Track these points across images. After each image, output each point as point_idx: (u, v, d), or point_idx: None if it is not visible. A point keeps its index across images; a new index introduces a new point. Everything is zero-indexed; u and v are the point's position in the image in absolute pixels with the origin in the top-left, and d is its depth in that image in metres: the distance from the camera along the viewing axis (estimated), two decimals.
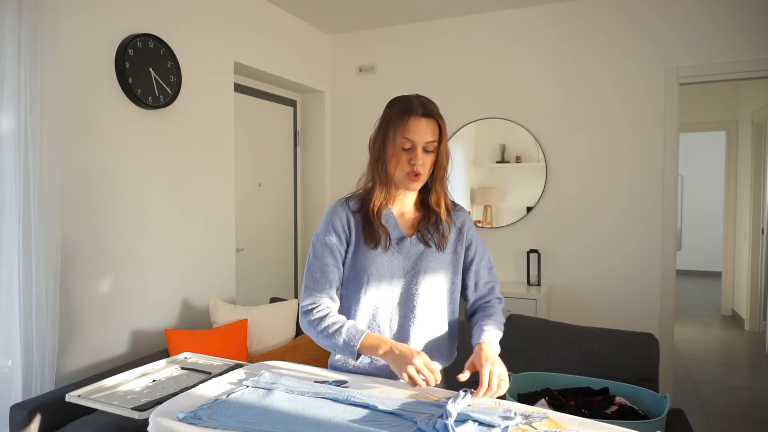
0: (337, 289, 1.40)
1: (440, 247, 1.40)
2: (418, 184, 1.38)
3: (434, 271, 1.39)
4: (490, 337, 1.33)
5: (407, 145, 1.33)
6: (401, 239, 1.40)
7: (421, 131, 1.33)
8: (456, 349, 1.50)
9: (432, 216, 1.41)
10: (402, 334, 1.38)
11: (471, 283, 1.48)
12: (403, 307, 1.38)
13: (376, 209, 1.38)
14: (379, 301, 1.37)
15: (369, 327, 1.38)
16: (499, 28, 3.46)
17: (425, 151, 1.34)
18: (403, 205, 1.43)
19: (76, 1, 2.13)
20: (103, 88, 2.24)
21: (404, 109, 1.34)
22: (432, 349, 1.40)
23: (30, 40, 1.87)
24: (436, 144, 1.36)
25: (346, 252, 1.40)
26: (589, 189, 3.29)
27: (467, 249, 1.46)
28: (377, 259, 1.36)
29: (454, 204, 1.48)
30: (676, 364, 3.91)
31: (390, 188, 1.39)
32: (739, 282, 5.41)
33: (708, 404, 3.38)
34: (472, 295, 1.48)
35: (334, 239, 1.37)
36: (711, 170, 7.91)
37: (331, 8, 3.41)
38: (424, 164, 1.35)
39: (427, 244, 1.39)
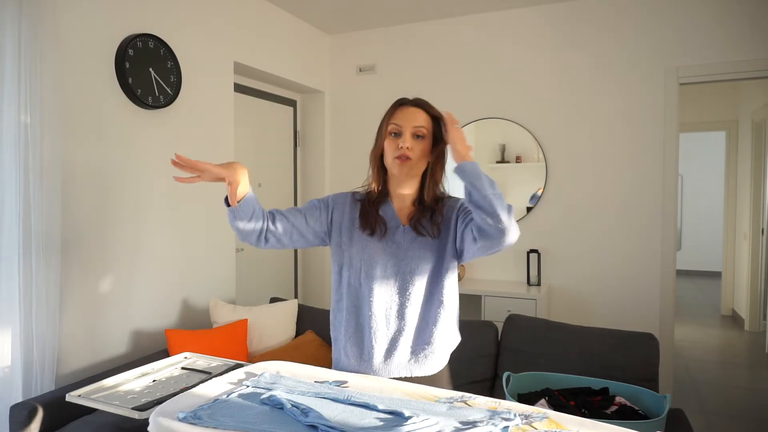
0: (291, 233, 1.44)
1: (433, 235, 1.41)
2: (407, 169, 1.39)
3: (428, 259, 1.40)
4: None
5: (396, 130, 1.39)
6: (396, 228, 1.43)
7: (409, 116, 1.39)
8: (459, 332, 1.49)
9: (427, 211, 1.43)
10: (400, 320, 1.39)
11: (465, 223, 1.37)
12: (398, 294, 1.39)
13: (374, 198, 1.45)
14: (373, 289, 1.39)
15: (364, 313, 1.40)
16: (499, 28, 3.46)
17: (416, 136, 1.39)
18: (402, 201, 1.46)
19: (76, 1, 2.13)
20: (103, 87, 2.24)
21: (396, 102, 1.45)
22: (432, 333, 1.40)
23: (30, 40, 1.87)
24: (424, 130, 1.39)
25: (329, 229, 1.47)
26: (589, 189, 3.28)
27: (457, 217, 1.40)
28: (370, 247, 1.41)
29: (449, 197, 1.49)
30: (676, 364, 3.91)
31: (386, 179, 1.46)
32: (739, 282, 5.41)
33: (708, 404, 3.38)
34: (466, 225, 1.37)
35: (321, 205, 1.48)
36: (711, 170, 7.91)
37: (331, 8, 3.41)
38: (412, 149, 1.37)
39: (419, 233, 1.41)
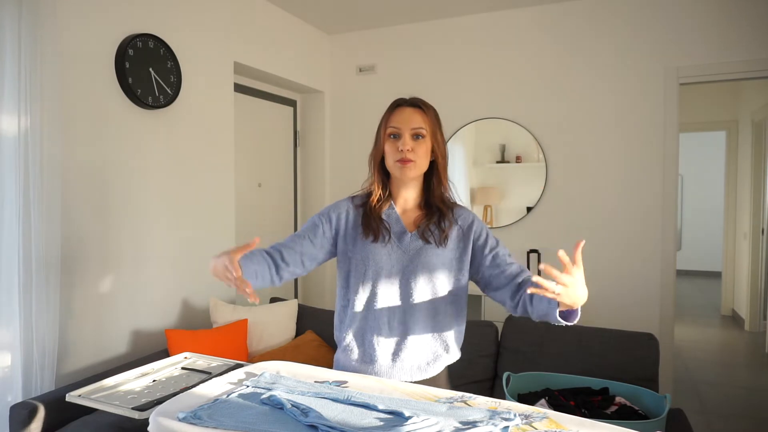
0: (302, 260, 1.41)
1: (440, 243, 1.39)
2: (411, 171, 1.38)
3: (434, 267, 1.38)
4: None
5: (395, 132, 1.39)
6: (402, 234, 1.41)
7: (406, 118, 1.38)
8: (461, 350, 1.48)
9: (434, 214, 1.42)
10: (402, 329, 1.38)
11: (497, 267, 1.37)
12: (402, 302, 1.39)
13: (374, 203, 1.43)
14: (377, 294, 1.39)
15: (369, 319, 1.40)
16: (499, 29, 3.46)
17: (415, 137, 1.38)
18: (406, 203, 1.45)
19: (76, 1, 2.13)
20: (103, 87, 2.24)
21: (393, 104, 1.43)
22: (434, 345, 1.40)
23: (30, 39, 1.87)
24: (424, 131, 1.38)
25: (335, 241, 1.45)
26: (589, 189, 3.28)
27: (476, 240, 1.41)
28: (375, 252, 1.39)
29: (456, 204, 1.47)
30: (676, 364, 3.91)
31: (387, 182, 1.44)
32: (739, 282, 5.41)
33: (708, 404, 3.38)
34: (505, 278, 1.36)
35: (322, 221, 1.44)
36: (711, 170, 7.91)
37: (331, 8, 3.41)
38: (414, 151, 1.37)
39: (426, 241, 1.39)
